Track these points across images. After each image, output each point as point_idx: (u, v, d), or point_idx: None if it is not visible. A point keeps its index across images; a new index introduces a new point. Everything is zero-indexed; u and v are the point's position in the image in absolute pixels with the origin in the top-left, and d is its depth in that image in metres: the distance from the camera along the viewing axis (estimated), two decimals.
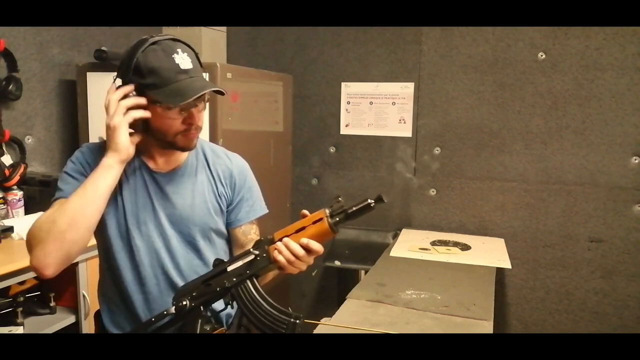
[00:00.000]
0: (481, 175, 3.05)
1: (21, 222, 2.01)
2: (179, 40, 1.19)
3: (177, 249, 1.27)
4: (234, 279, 1.14)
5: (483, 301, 2.02)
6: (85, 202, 1.13)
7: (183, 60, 1.16)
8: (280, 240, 1.12)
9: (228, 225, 1.36)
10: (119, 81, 1.20)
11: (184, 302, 1.14)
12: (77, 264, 1.93)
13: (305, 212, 1.14)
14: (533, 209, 2.97)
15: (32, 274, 1.78)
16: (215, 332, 1.23)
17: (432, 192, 3.15)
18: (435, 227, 3.14)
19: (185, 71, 1.15)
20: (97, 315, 1.35)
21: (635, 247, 2.83)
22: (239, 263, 1.14)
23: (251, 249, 1.15)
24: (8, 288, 1.82)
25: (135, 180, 1.25)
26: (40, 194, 2.15)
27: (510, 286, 3.04)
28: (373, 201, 1.08)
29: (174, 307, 1.16)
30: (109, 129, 1.15)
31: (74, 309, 1.98)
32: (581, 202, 2.89)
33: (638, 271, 2.84)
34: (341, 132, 3.27)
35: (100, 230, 1.24)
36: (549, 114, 2.89)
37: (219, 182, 1.33)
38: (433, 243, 2.84)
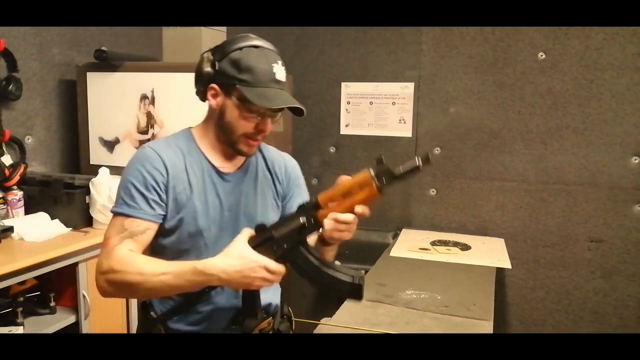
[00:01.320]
0: (481, 175, 3.05)
1: (21, 222, 2.01)
2: (278, 54, 1.24)
3: None
4: (285, 245, 1.12)
5: (483, 301, 2.02)
6: (171, 288, 1.12)
7: (279, 71, 1.20)
8: (326, 205, 1.11)
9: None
10: (208, 60, 1.21)
11: None
12: (77, 264, 1.93)
13: (345, 177, 1.13)
14: (533, 209, 2.97)
15: (32, 274, 1.78)
16: (264, 322, 1.26)
17: (432, 192, 3.15)
18: (435, 227, 3.14)
19: (279, 82, 1.20)
20: (144, 307, 1.31)
21: (635, 247, 2.83)
22: (286, 229, 1.12)
23: (298, 215, 1.13)
24: (8, 288, 1.82)
25: (204, 180, 1.25)
26: (40, 194, 2.15)
27: (510, 286, 3.04)
28: (420, 162, 1.06)
29: None
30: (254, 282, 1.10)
31: (74, 309, 1.98)
32: (581, 202, 2.89)
33: (638, 271, 2.84)
34: (341, 132, 3.27)
35: (169, 232, 1.22)
36: (549, 114, 2.89)
37: (277, 180, 1.38)
38: (433, 243, 2.84)
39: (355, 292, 1.15)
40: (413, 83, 3.11)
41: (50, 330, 1.90)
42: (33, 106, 2.34)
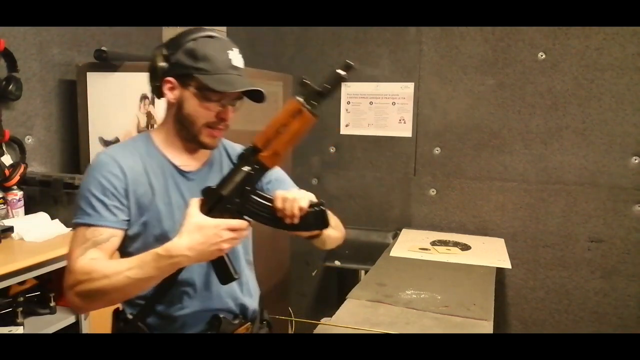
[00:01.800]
0: (481, 175, 3.05)
1: (21, 222, 2.01)
2: (233, 43, 1.23)
3: None
4: (237, 200, 1.08)
5: (483, 301, 2.02)
6: (141, 281, 1.06)
7: (235, 58, 1.19)
8: (265, 145, 1.06)
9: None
10: (162, 54, 1.19)
11: None
12: None
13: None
14: (533, 209, 2.97)
15: (32, 274, 1.78)
16: (242, 327, 1.25)
17: (432, 192, 3.15)
18: (435, 227, 3.14)
19: (236, 68, 1.18)
20: (117, 314, 1.28)
21: (635, 247, 2.83)
22: (234, 184, 1.08)
23: (241, 166, 1.09)
24: (8, 288, 1.82)
25: (166, 180, 1.21)
26: (40, 194, 2.15)
27: (510, 286, 3.04)
28: (343, 71, 1.02)
29: None
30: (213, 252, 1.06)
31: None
32: (581, 202, 2.89)
33: (638, 271, 2.84)
34: (341, 132, 3.27)
35: (134, 238, 1.19)
36: (549, 114, 2.89)
37: None
38: (433, 243, 2.84)
39: (320, 220, 1.10)
40: (413, 83, 3.11)
41: (50, 330, 1.89)
42: (33, 106, 2.34)
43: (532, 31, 2.86)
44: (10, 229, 1.94)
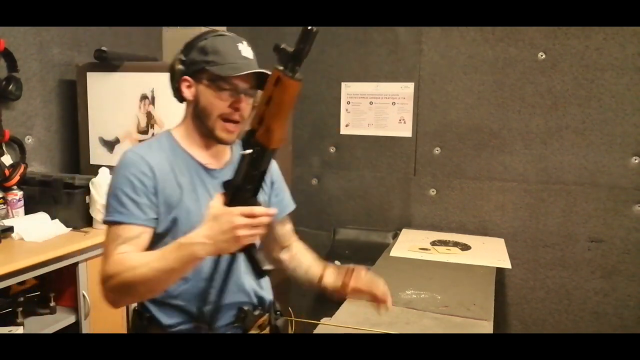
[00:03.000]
0: (481, 175, 3.05)
1: (21, 222, 2.01)
2: (242, 39, 1.25)
3: None
4: (249, 185, 1.07)
5: (483, 301, 2.02)
6: (164, 273, 1.06)
7: (245, 49, 1.22)
8: (259, 122, 1.03)
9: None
10: (178, 59, 1.23)
11: None
12: (77, 264, 1.93)
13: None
14: (533, 209, 2.97)
15: (32, 274, 1.78)
16: (262, 318, 1.31)
17: (432, 192, 3.15)
18: (435, 227, 3.14)
19: (246, 58, 1.21)
20: (138, 313, 1.29)
21: (635, 247, 2.83)
22: (243, 170, 1.06)
23: (243, 150, 1.08)
24: (8, 288, 1.82)
25: (192, 177, 1.24)
26: (40, 194, 2.15)
27: (510, 286, 3.04)
28: (311, 26, 1.00)
29: None
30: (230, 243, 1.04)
31: (74, 309, 1.98)
32: (581, 202, 2.89)
33: (638, 271, 2.84)
34: (341, 132, 3.27)
35: (164, 235, 1.20)
36: (549, 114, 2.89)
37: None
38: (433, 243, 2.84)
39: None
40: (413, 83, 3.11)
41: (50, 330, 1.89)
42: (33, 106, 2.34)
43: (532, 31, 2.86)
44: (10, 229, 1.94)
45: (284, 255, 1.46)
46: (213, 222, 1.03)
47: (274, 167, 1.43)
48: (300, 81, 1.04)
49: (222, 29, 1.31)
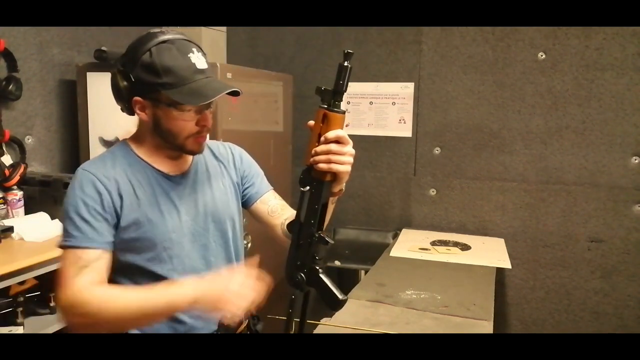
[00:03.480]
0: (481, 175, 3.05)
1: (21, 222, 2.01)
2: (190, 41, 1.16)
3: (212, 246, 1.26)
4: (312, 221, 1.07)
5: (483, 301, 2.02)
6: (141, 317, 1.09)
7: (199, 60, 1.13)
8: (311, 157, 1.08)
9: (248, 201, 1.36)
10: (120, 73, 1.14)
11: (299, 276, 1.08)
12: None
13: (311, 122, 1.09)
14: (533, 209, 2.97)
15: (32, 274, 1.78)
16: (241, 326, 1.29)
17: (432, 192, 3.15)
18: (435, 227, 3.14)
19: (202, 71, 1.13)
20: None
21: (635, 247, 2.83)
22: (304, 209, 1.08)
23: (302, 190, 1.08)
24: (8, 288, 1.82)
25: (153, 188, 1.19)
26: (40, 194, 2.15)
27: (510, 286, 3.04)
28: (345, 61, 1.03)
29: (294, 287, 1.09)
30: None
31: None
32: (581, 202, 2.89)
33: (638, 271, 2.84)
34: None
35: (128, 251, 1.17)
36: (549, 114, 2.89)
37: (227, 167, 1.34)
38: (433, 243, 2.84)
39: None
40: (413, 83, 3.11)
41: (50, 330, 1.89)
42: (33, 106, 2.34)
43: (532, 31, 2.86)
44: (10, 229, 1.94)
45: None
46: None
47: (244, 158, 1.39)
48: (344, 112, 1.06)
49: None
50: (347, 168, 1.06)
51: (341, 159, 1.05)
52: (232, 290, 1.07)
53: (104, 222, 1.13)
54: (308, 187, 1.08)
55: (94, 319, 1.06)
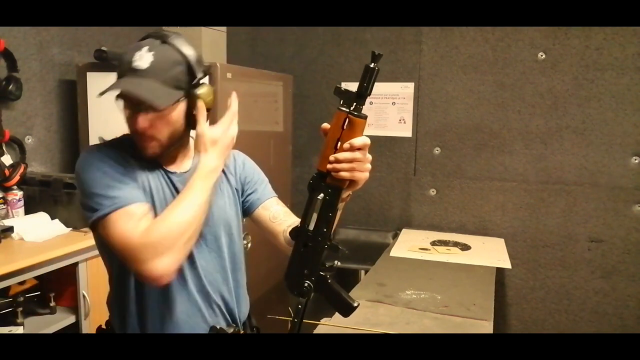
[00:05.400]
0: (481, 175, 3.05)
1: (21, 222, 2.01)
2: (166, 40, 1.12)
3: (203, 249, 1.22)
4: (324, 230, 1.04)
5: (483, 301, 2.02)
6: (202, 208, 1.08)
7: (142, 58, 1.09)
8: (330, 163, 1.02)
9: (250, 207, 1.34)
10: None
11: (306, 284, 1.06)
12: (77, 264, 1.93)
13: (325, 125, 1.06)
14: (533, 209, 2.97)
15: (32, 274, 1.78)
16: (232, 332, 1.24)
17: (432, 192, 3.15)
18: (435, 227, 3.14)
19: (134, 70, 1.09)
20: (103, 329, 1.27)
21: (635, 247, 2.83)
22: (315, 216, 1.04)
23: (315, 196, 1.04)
24: (8, 288, 1.82)
25: (161, 184, 1.19)
26: (40, 194, 2.15)
27: (510, 286, 3.04)
28: (372, 63, 0.98)
29: (299, 295, 1.06)
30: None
31: (74, 309, 1.98)
32: (581, 202, 2.89)
33: (638, 271, 2.84)
34: None
35: None
36: (549, 114, 2.89)
37: (228, 174, 1.32)
38: (433, 243, 2.84)
39: None
40: (413, 83, 3.11)
41: (50, 330, 1.89)
42: (33, 106, 2.34)
43: (532, 31, 2.86)
44: (10, 229, 1.94)
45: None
46: (214, 145, 1.13)
47: (247, 165, 1.38)
48: (366, 117, 1.03)
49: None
50: (367, 176, 1.04)
51: (365, 167, 1.03)
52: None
53: (130, 180, 1.11)
54: (322, 194, 1.03)
55: (173, 240, 1.03)
